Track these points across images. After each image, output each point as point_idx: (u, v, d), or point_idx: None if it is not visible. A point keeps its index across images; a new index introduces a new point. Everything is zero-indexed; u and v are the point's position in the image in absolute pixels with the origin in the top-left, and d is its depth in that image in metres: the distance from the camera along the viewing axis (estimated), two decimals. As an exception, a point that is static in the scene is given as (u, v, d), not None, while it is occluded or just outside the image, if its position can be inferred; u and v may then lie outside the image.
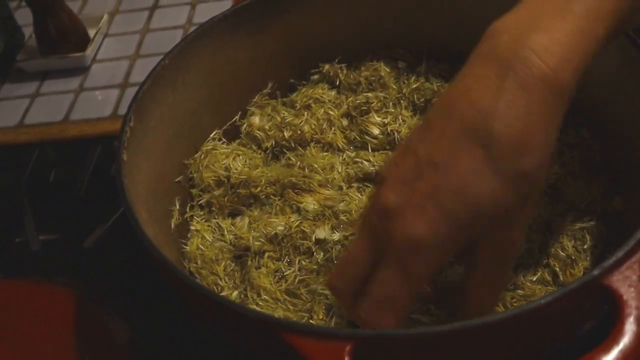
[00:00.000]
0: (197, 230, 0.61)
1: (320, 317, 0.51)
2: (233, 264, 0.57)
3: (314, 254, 0.56)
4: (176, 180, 0.63)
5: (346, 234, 0.56)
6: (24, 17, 0.99)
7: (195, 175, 0.63)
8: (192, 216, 0.62)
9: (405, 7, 0.67)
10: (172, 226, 0.60)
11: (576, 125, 0.62)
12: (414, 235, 0.40)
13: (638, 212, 0.51)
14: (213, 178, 0.62)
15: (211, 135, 0.67)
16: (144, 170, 0.56)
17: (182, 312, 0.57)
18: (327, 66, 0.70)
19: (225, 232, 0.60)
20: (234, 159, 0.63)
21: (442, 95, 0.43)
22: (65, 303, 0.61)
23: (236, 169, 0.62)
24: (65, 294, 0.62)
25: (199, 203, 0.63)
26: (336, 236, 0.56)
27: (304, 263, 0.55)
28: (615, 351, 0.37)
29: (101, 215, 0.73)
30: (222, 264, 0.57)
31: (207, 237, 0.60)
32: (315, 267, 0.55)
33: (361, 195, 0.60)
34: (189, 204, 0.63)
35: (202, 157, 0.64)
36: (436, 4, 0.66)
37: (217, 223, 0.61)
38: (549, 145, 0.41)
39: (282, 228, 0.57)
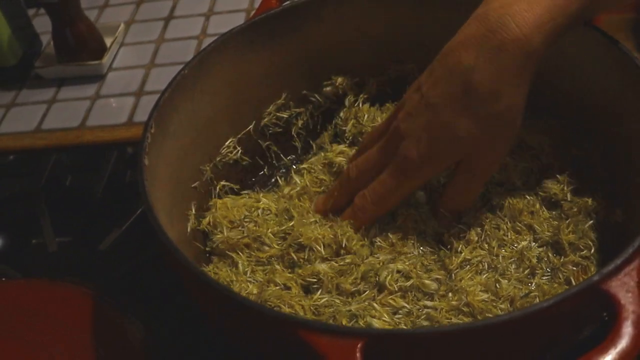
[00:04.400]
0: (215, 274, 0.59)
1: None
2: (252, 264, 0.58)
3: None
4: (192, 185, 0.64)
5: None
6: (42, 25, 1.01)
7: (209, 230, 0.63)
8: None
9: (415, 24, 0.69)
10: (188, 230, 0.61)
11: (579, 139, 0.64)
12: (410, 155, 0.54)
13: (637, 224, 0.52)
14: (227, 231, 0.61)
15: (226, 143, 0.68)
16: (162, 175, 0.58)
17: (194, 312, 0.59)
18: (339, 79, 0.71)
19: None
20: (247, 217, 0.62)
21: (447, 44, 0.54)
22: (80, 302, 0.63)
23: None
24: (80, 294, 0.64)
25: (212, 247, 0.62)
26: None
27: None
28: (612, 353, 0.39)
29: (115, 219, 0.75)
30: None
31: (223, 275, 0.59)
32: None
33: None
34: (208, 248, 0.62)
35: (215, 212, 0.63)
36: (446, 20, 0.68)
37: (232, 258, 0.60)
38: (517, 94, 0.51)
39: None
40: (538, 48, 0.49)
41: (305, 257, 0.57)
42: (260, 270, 0.58)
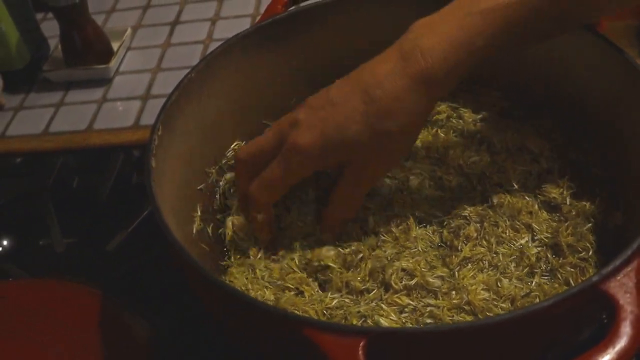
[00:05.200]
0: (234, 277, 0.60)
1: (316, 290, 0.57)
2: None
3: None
4: (198, 187, 0.65)
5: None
6: (50, 29, 1.02)
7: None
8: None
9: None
10: (194, 231, 0.62)
11: (579, 140, 0.64)
12: (299, 142, 0.56)
13: (637, 226, 0.53)
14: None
15: (232, 146, 0.69)
16: (169, 177, 0.59)
17: (200, 311, 0.59)
18: (344, 83, 0.72)
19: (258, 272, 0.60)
20: None
21: (368, 62, 0.58)
22: (86, 302, 0.63)
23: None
24: (86, 293, 0.64)
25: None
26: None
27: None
28: (611, 352, 0.40)
29: (121, 220, 0.75)
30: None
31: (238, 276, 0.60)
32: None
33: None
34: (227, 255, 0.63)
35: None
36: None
37: (252, 265, 0.60)
38: (411, 117, 0.55)
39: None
40: (440, 79, 0.54)
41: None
42: (277, 268, 0.59)
